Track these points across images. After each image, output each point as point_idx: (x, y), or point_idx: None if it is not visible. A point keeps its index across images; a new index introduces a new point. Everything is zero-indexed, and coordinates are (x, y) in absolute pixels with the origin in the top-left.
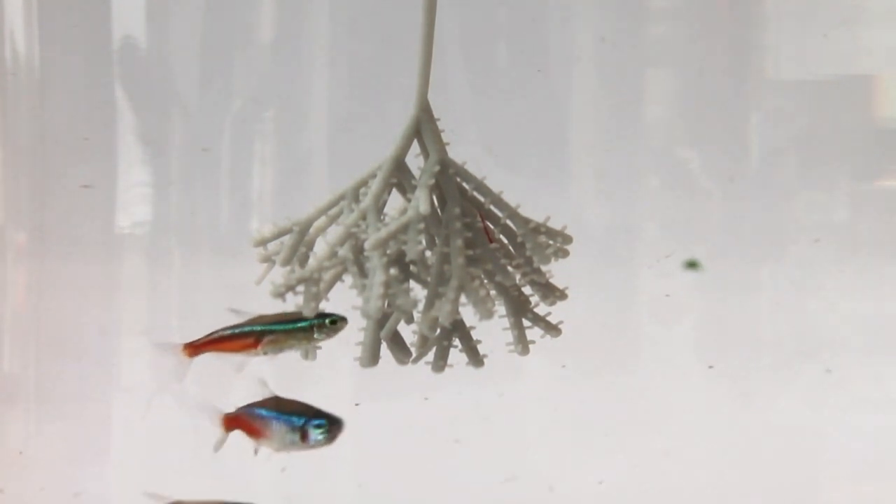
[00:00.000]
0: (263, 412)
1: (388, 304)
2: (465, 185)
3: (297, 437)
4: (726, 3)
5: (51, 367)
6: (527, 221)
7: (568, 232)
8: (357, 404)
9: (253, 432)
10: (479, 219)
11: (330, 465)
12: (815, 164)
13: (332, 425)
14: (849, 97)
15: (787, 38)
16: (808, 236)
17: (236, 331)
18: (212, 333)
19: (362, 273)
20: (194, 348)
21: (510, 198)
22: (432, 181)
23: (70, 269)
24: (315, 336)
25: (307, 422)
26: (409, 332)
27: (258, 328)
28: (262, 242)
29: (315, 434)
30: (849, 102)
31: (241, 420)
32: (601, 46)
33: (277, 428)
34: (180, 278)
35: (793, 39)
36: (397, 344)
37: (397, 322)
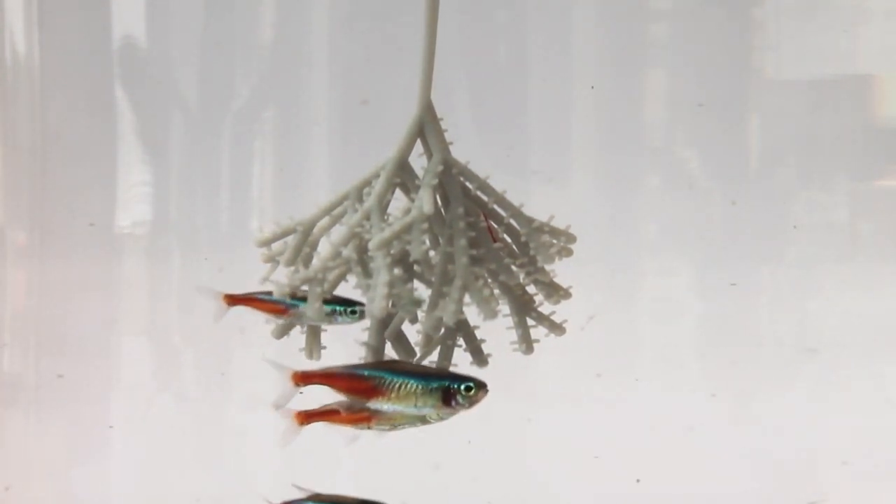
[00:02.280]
0: (389, 373)
1: (393, 304)
2: (468, 184)
3: (435, 400)
4: (726, 3)
5: (51, 367)
6: (530, 221)
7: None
8: None
9: (369, 393)
10: (482, 218)
11: (331, 465)
12: (815, 164)
13: (478, 389)
14: (849, 97)
15: (787, 38)
16: (809, 236)
17: (271, 298)
18: (250, 293)
19: (366, 273)
20: (232, 299)
21: (512, 197)
22: (436, 181)
23: (70, 269)
24: (337, 319)
25: (451, 383)
26: (413, 332)
27: (289, 301)
28: (266, 243)
29: (460, 398)
30: (849, 102)
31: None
32: (601, 46)
33: (411, 390)
34: (180, 278)
35: (793, 39)
36: (401, 343)
37: (401, 322)
